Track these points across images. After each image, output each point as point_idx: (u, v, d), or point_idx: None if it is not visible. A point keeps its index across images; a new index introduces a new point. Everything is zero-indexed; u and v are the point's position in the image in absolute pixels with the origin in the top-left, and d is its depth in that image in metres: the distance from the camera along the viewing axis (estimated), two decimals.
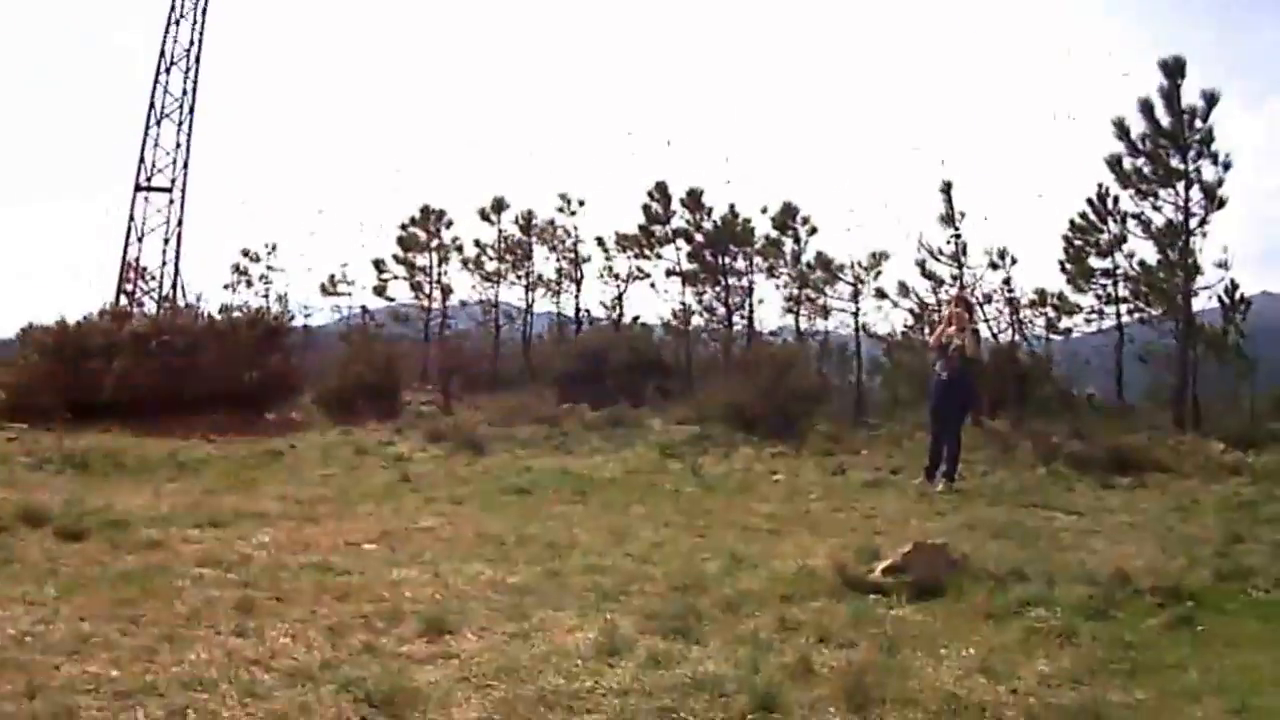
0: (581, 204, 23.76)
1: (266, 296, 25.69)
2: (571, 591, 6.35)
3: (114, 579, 6.28)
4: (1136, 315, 17.98)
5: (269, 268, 26.05)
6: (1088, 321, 18.64)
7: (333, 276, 25.51)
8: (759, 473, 12.96)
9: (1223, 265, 16.92)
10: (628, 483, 11.76)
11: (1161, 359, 17.53)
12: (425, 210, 24.14)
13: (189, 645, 5.00)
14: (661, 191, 22.42)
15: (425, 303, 24.07)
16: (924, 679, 4.75)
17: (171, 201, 28.64)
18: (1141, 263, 17.72)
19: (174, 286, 27.11)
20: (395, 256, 24.45)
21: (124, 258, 28.30)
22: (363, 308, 25.36)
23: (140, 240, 28.45)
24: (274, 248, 26.24)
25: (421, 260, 24.16)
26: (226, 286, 25.64)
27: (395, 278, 24.48)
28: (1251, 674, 4.95)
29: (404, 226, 24.26)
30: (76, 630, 5.16)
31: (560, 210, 23.87)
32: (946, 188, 18.85)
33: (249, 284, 25.98)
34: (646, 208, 22.62)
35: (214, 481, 10.85)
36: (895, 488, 11.79)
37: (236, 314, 19.65)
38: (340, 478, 11.65)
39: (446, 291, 23.97)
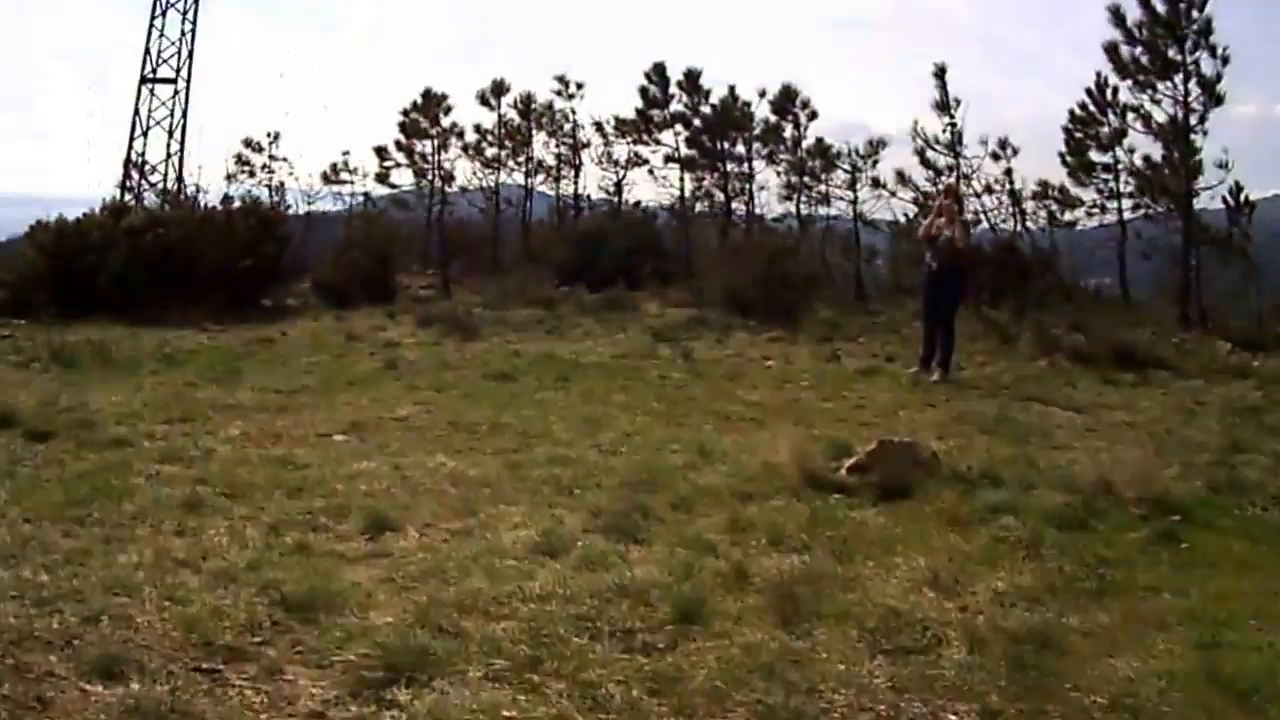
0: (580, 87, 22.99)
1: (269, 187, 25.04)
2: (529, 485, 6.25)
3: (70, 479, 6.20)
4: (1141, 211, 17.41)
5: (271, 157, 25.09)
6: (1089, 215, 18.04)
7: (334, 165, 24.92)
8: (752, 358, 12.76)
9: (1223, 166, 16.26)
10: (615, 368, 11.58)
11: (1166, 255, 17.01)
12: (427, 94, 23.32)
13: (125, 546, 4.94)
14: (659, 74, 21.58)
15: (427, 188, 23.47)
16: (867, 590, 4.53)
17: (176, 93, 27.80)
18: (1146, 158, 17.08)
19: (179, 179, 26.63)
20: (397, 143, 23.82)
21: (129, 152, 27.75)
22: (365, 194, 24.94)
23: (145, 134, 27.74)
24: (276, 137, 25.29)
25: (422, 147, 23.50)
26: (229, 177, 24.88)
27: (398, 165, 23.96)
28: (1231, 602, 4.57)
29: (406, 113, 23.59)
30: (19, 533, 5.08)
31: (558, 94, 23.08)
32: (940, 72, 17.95)
33: (251, 174, 25.17)
34: (644, 90, 21.85)
35: (198, 373, 10.71)
36: (889, 377, 11.55)
37: (237, 204, 19.22)
38: (326, 365, 11.56)
39: (448, 178, 23.40)
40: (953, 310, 11.97)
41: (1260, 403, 10.85)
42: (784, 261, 16.56)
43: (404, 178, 24.33)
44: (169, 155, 27.65)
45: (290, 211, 22.79)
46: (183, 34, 27.67)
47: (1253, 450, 8.09)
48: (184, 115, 27.83)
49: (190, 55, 27.75)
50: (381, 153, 24.22)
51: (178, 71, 27.79)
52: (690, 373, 11.36)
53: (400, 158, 24.02)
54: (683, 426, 8.32)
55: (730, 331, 14.76)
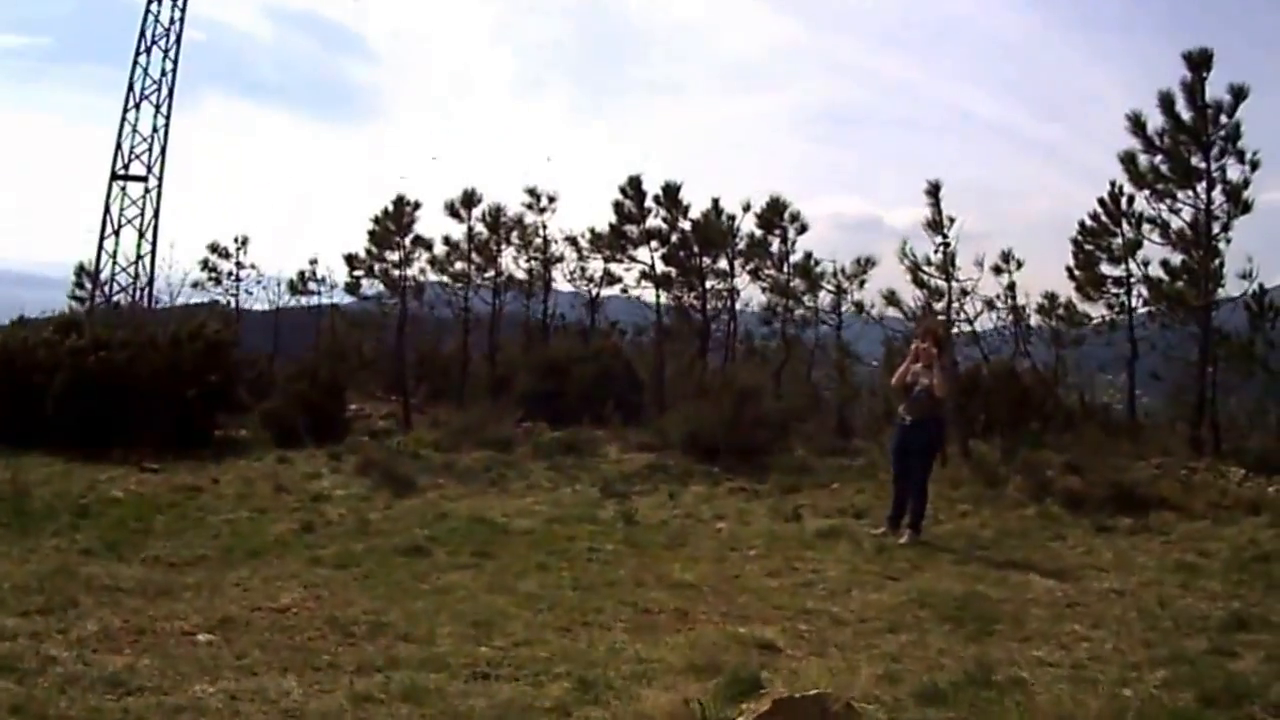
0: (552, 200, 21.82)
1: (236, 296, 24.01)
2: None
3: None
4: (1158, 322, 16.29)
5: (238, 264, 23.99)
6: (1097, 333, 16.92)
7: (302, 274, 24.00)
8: (703, 519, 11.74)
9: (1246, 276, 15.25)
10: (544, 536, 10.48)
11: (1180, 370, 15.91)
12: (399, 201, 22.10)
13: None
14: (634, 187, 20.56)
15: (396, 302, 22.24)
16: None
17: (148, 191, 27.13)
18: (1165, 263, 16.04)
19: (149, 282, 25.86)
20: (369, 251, 22.71)
21: (99, 253, 26.97)
22: (333, 306, 23.96)
23: (117, 233, 27.07)
24: (244, 242, 24.30)
25: (391, 257, 22.31)
26: (196, 285, 23.82)
27: (367, 275, 22.83)
28: None
29: (377, 220, 22.57)
30: None
31: (529, 207, 21.86)
32: (934, 190, 16.91)
33: (218, 281, 24.13)
34: (618, 205, 20.82)
35: (103, 533, 9.92)
36: (851, 540, 10.45)
37: (193, 318, 18.27)
38: (239, 525, 10.72)
39: (417, 292, 22.24)
40: (927, 467, 10.98)
41: (1272, 546, 10.12)
42: (755, 400, 15.49)
43: (376, 287, 23.28)
44: (139, 256, 26.98)
45: (254, 309, 21.98)
46: (155, 129, 27.20)
47: (1258, 626, 7.31)
48: (155, 214, 27.25)
49: (163, 151, 27.24)
50: (352, 261, 23.08)
51: (149, 168, 27.20)
52: (626, 541, 10.26)
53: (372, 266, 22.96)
54: (588, 626, 7.26)
55: (689, 482, 13.76)
